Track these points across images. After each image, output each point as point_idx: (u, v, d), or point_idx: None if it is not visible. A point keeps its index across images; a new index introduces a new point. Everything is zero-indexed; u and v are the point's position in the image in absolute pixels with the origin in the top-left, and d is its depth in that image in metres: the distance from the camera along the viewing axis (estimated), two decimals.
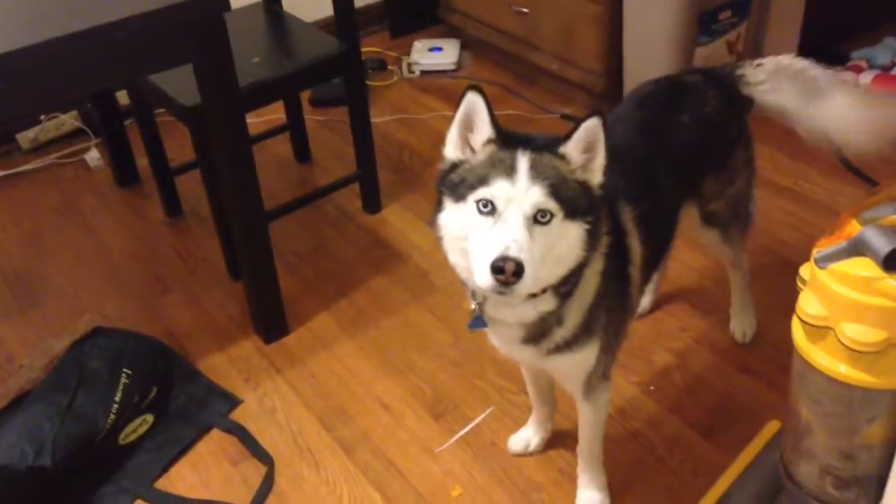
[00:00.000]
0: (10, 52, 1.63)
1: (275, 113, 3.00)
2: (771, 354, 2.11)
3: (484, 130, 1.31)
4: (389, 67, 3.57)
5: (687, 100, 1.75)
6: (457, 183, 1.30)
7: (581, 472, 1.79)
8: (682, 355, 2.15)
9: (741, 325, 2.15)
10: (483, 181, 1.26)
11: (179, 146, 2.85)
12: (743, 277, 2.09)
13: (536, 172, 1.26)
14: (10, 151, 3.15)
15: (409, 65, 3.55)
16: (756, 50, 3.02)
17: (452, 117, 1.34)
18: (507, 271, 1.20)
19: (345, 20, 2.44)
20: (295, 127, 2.99)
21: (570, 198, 1.28)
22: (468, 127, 1.33)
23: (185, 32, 1.84)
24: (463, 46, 3.63)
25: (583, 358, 1.51)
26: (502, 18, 3.35)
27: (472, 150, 1.33)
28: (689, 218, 1.83)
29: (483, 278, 1.23)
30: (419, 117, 3.23)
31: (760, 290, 2.17)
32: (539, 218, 1.25)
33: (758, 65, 1.82)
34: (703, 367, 2.12)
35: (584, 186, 1.32)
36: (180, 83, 2.21)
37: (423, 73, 3.53)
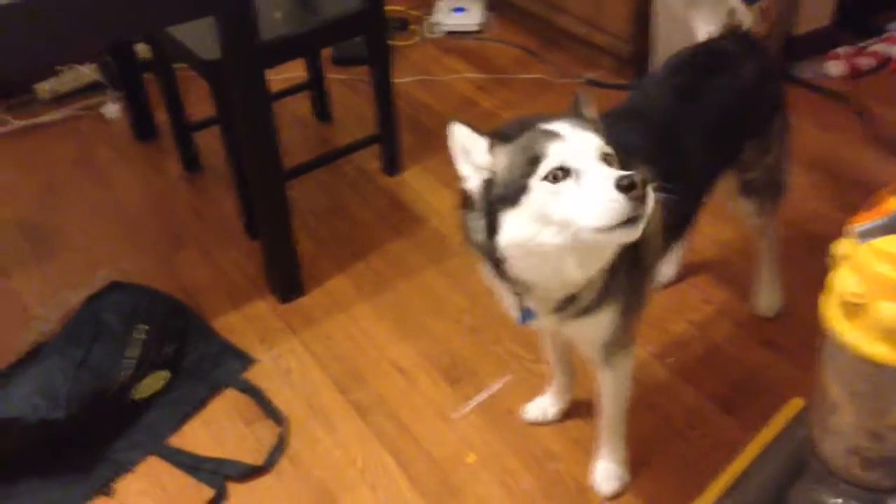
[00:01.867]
0: (18, 2, 1.59)
1: (295, 70, 2.95)
2: (794, 329, 2.07)
3: (480, 146, 1.31)
4: (412, 27, 3.51)
5: (725, 65, 1.70)
6: (503, 192, 1.27)
7: (602, 443, 1.76)
8: (703, 327, 2.12)
9: (766, 299, 2.10)
10: (536, 160, 1.23)
11: (198, 101, 2.81)
12: (772, 249, 2.05)
13: (577, 124, 1.26)
14: (28, 102, 3.12)
15: (432, 25, 3.48)
16: (790, 18, 2.94)
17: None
18: (637, 185, 1.15)
19: None
20: (315, 85, 2.94)
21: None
22: (468, 154, 1.32)
23: None
24: (487, 7, 3.55)
25: (602, 322, 1.48)
26: None
27: (485, 166, 1.31)
28: (728, 187, 1.79)
29: (612, 208, 1.16)
30: (441, 79, 3.17)
31: (784, 264, 2.12)
32: (606, 159, 1.24)
33: None
34: (725, 340, 2.08)
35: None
36: (201, 37, 2.17)
37: (447, 33, 3.46)
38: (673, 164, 1.52)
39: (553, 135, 1.25)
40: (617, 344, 1.56)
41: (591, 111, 1.35)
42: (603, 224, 1.19)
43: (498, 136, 1.31)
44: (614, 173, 1.19)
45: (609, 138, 1.29)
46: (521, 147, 1.27)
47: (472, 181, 1.33)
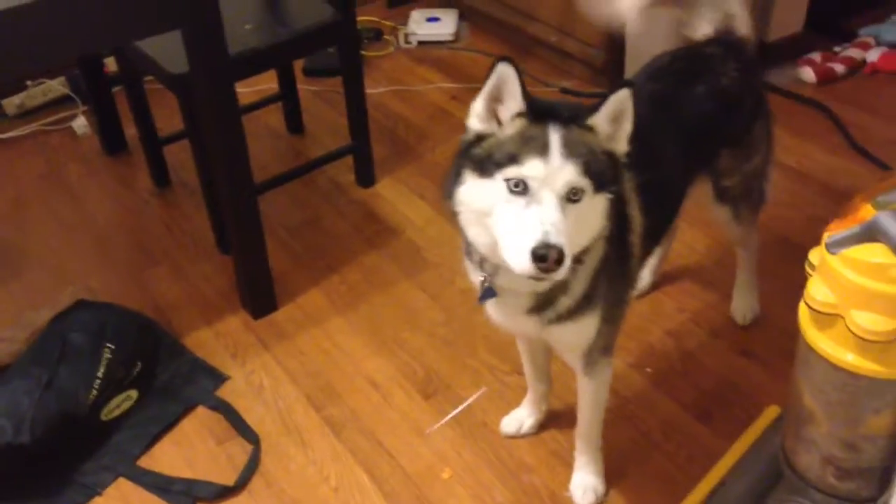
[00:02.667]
0: None
1: (267, 82, 2.92)
2: (771, 337, 2.06)
3: (514, 103, 1.26)
4: (386, 37, 3.49)
5: (704, 71, 1.70)
6: (483, 157, 1.26)
7: (578, 454, 1.75)
8: (679, 337, 2.11)
9: (742, 307, 2.10)
10: (514, 159, 1.22)
11: (169, 115, 2.78)
12: (750, 257, 2.05)
13: (569, 150, 1.22)
14: None
15: (406, 35, 3.47)
16: (763, 23, 2.94)
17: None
18: (549, 259, 1.16)
19: None
20: (288, 97, 2.91)
21: (600, 171, 1.25)
22: (497, 98, 1.27)
23: None
24: (461, 17, 3.54)
25: (584, 327, 1.47)
26: None
27: (499, 123, 1.28)
28: (702, 193, 1.79)
29: (522, 264, 1.19)
30: (415, 89, 3.15)
31: (759, 271, 2.12)
32: (571, 196, 1.22)
33: None
34: (701, 349, 2.07)
35: (610, 156, 1.29)
36: (168, 49, 2.14)
37: (421, 43, 3.45)
38: (652, 171, 1.52)
39: (542, 147, 1.22)
40: (598, 350, 1.55)
41: (605, 121, 1.27)
42: (510, 264, 1.22)
43: (531, 107, 1.25)
44: (540, 232, 1.17)
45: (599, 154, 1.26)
46: (521, 135, 1.24)
47: (476, 124, 1.29)
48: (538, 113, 1.25)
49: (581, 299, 1.42)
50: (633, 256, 1.53)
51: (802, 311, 1.32)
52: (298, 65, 3.16)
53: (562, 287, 1.38)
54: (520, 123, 1.26)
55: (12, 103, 3.06)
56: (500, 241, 1.23)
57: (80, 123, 3.00)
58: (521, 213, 1.20)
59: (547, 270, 1.18)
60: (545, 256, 1.16)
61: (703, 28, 1.75)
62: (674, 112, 1.63)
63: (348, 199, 2.67)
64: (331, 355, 2.14)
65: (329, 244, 2.49)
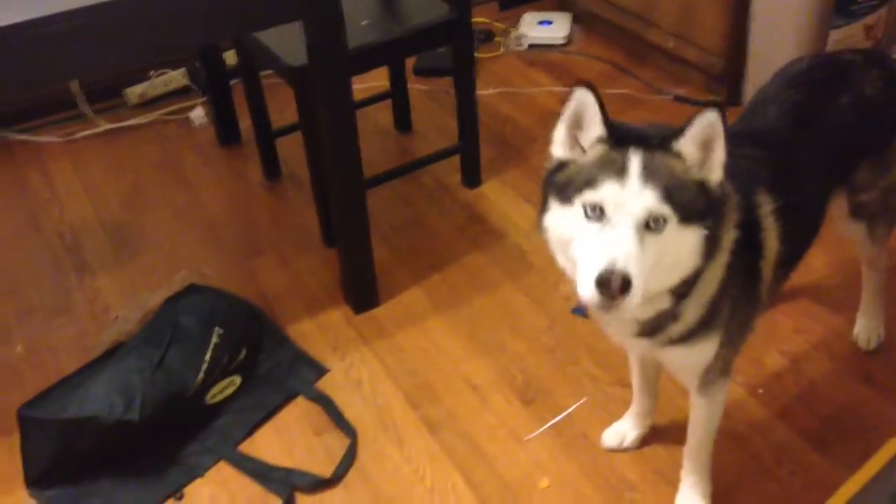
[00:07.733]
0: (111, 2, 1.61)
1: (377, 80, 2.94)
2: (895, 365, 1.94)
3: (594, 129, 1.22)
4: (497, 39, 3.47)
5: (846, 80, 1.60)
6: (563, 184, 1.23)
7: (685, 474, 1.68)
8: (796, 359, 2.01)
9: (867, 331, 1.98)
10: (590, 183, 1.18)
11: (282, 108, 2.83)
12: (879, 278, 1.93)
13: (649, 173, 1.16)
14: (118, 106, 3.18)
15: (517, 37, 3.43)
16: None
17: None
18: (612, 286, 1.12)
19: None
20: (398, 95, 2.92)
21: (687, 201, 1.18)
22: (577, 125, 1.24)
23: None
24: (574, 20, 3.49)
25: (700, 351, 1.42)
26: None
27: (582, 149, 1.24)
28: (836, 209, 1.70)
29: (586, 291, 1.15)
30: (525, 91, 3.12)
31: (887, 294, 2.00)
32: (651, 224, 1.16)
33: None
34: (819, 373, 1.97)
35: (702, 186, 1.21)
36: (287, 42, 2.17)
37: (531, 46, 3.41)
38: (795, 194, 1.44)
39: (619, 171, 1.17)
40: (715, 372, 1.49)
41: (692, 145, 1.20)
42: (580, 293, 1.17)
43: (612, 135, 1.21)
44: (608, 257, 1.13)
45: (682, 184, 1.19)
46: (601, 160, 1.21)
47: (558, 150, 1.27)
48: (622, 138, 1.21)
49: (697, 325, 1.36)
50: (761, 281, 1.45)
51: None
52: (409, 64, 3.18)
53: (670, 315, 1.33)
54: (600, 149, 1.22)
55: (135, 92, 3.18)
56: (578, 268, 1.19)
57: (198, 114, 3.09)
58: (595, 238, 1.16)
59: (612, 299, 1.12)
60: (608, 283, 1.11)
61: None
62: (816, 125, 1.55)
63: (453, 199, 2.65)
64: (430, 354, 2.13)
65: (432, 243, 2.49)
